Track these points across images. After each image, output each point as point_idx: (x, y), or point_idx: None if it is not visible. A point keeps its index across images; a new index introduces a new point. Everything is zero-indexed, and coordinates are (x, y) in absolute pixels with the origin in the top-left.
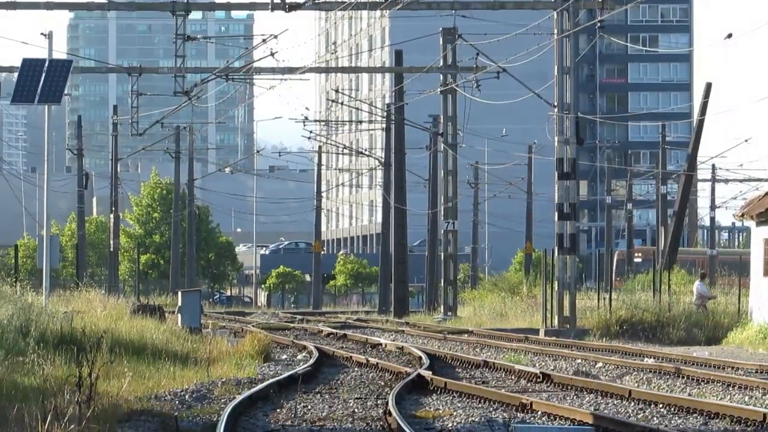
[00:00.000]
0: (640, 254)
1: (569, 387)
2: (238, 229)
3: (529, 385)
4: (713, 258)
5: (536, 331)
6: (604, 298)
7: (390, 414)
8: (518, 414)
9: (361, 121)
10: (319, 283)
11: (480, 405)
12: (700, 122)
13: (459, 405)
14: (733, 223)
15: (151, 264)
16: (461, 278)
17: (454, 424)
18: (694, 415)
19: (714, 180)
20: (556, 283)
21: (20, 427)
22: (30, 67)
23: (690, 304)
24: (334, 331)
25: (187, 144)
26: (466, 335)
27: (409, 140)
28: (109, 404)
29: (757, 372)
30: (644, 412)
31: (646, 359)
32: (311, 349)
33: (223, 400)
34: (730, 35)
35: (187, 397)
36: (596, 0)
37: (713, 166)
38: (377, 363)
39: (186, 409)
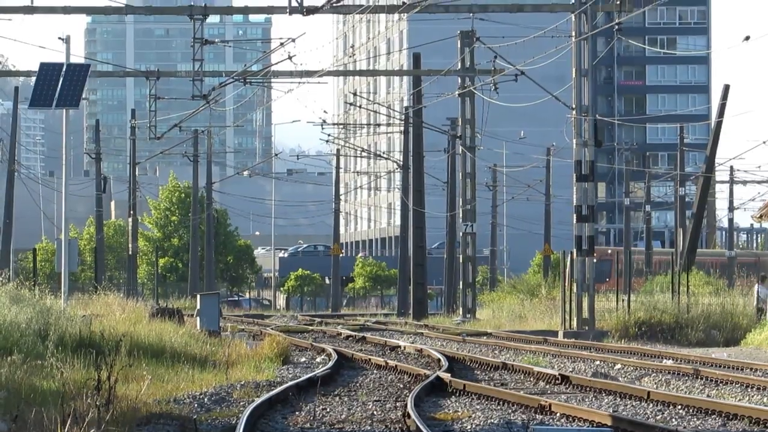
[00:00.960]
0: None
1: (588, 389)
2: (257, 233)
3: (547, 386)
4: (732, 259)
5: (555, 333)
6: (623, 300)
7: (409, 416)
8: (537, 416)
9: (379, 124)
10: (337, 285)
11: (499, 407)
12: (718, 124)
13: (478, 407)
14: (752, 225)
15: (169, 267)
16: (480, 280)
17: (473, 426)
18: (713, 416)
19: (732, 181)
20: (574, 285)
21: (39, 430)
22: (48, 71)
23: (709, 306)
24: (353, 333)
25: (205, 147)
26: (484, 337)
27: (427, 143)
28: (128, 407)
29: None
30: (663, 413)
31: (664, 361)
32: (330, 352)
33: (242, 403)
34: (747, 38)
35: (206, 400)
36: (614, 2)
37: (731, 167)
38: (396, 365)
39: (205, 412)
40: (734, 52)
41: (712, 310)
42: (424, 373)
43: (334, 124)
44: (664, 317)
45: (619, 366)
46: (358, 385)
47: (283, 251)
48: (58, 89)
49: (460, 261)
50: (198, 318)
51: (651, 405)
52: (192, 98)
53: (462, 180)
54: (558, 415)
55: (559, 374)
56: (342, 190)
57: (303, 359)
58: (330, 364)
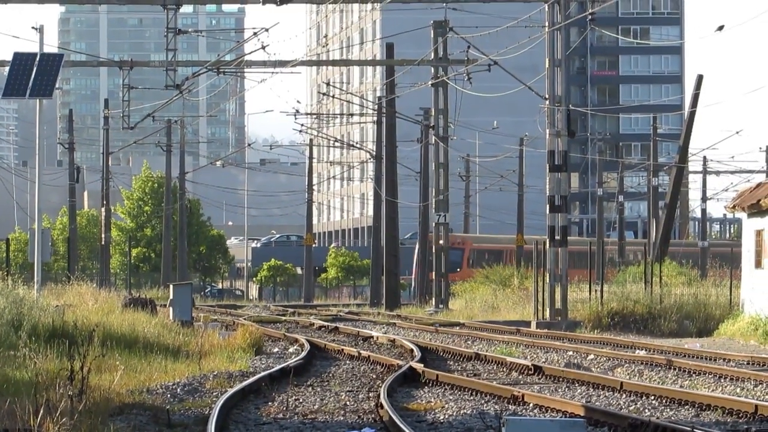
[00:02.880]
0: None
1: (561, 379)
2: (230, 223)
3: (520, 377)
4: (705, 250)
5: (528, 324)
6: (596, 291)
7: (382, 407)
8: (510, 406)
9: (352, 114)
10: (310, 276)
11: (472, 397)
12: (692, 114)
13: (451, 397)
14: (725, 215)
15: (142, 257)
16: None
17: (446, 416)
18: (686, 406)
19: (705, 172)
20: (547, 275)
21: (12, 421)
22: (21, 61)
23: (682, 296)
24: (326, 323)
25: (178, 137)
26: (457, 328)
27: (400, 133)
28: (100, 398)
29: (748, 363)
30: (636, 404)
31: (637, 351)
32: (303, 342)
33: (214, 394)
34: (721, 27)
35: (178, 390)
36: None
37: (704, 158)
38: (369, 356)
39: (178, 402)
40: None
41: (685, 301)
42: (397, 364)
43: (307, 114)
44: (637, 308)
45: (591, 356)
46: (330, 375)
47: (255, 241)
48: (32, 79)
49: (433, 251)
50: (171, 308)
51: (624, 395)
52: (165, 88)
53: (435, 170)
54: (531, 405)
55: (532, 365)
56: (315, 180)
57: (276, 349)
58: (303, 354)
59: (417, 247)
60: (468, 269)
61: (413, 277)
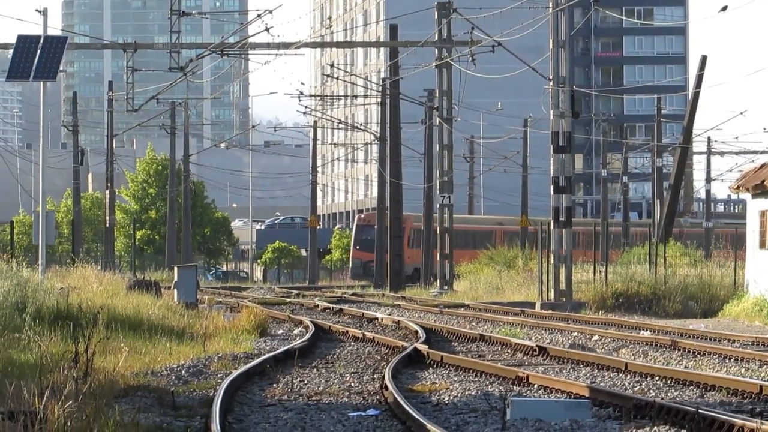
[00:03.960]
0: (366, 219)
1: (565, 360)
2: (234, 205)
3: (525, 358)
4: (709, 230)
5: (532, 305)
6: (600, 272)
7: (386, 388)
8: (514, 387)
9: (356, 96)
10: (314, 257)
11: (476, 378)
12: (696, 95)
13: (455, 378)
14: (729, 196)
15: (146, 240)
16: None
17: (451, 397)
18: (691, 387)
19: (709, 152)
20: (552, 256)
21: (17, 403)
22: (25, 43)
23: (687, 277)
24: (330, 305)
25: (182, 120)
26: (462, 309)
27: (404, 115)
28: (105, 380)
29: (753, 344)
30: (640, 384)
31: (642, 332)
32: (307, 324)
33: (219, 376)
34: (724, 8)
35: (183, 372)
36: None
37: (709, 138)
38: (373, 337)
39: (182, 384)
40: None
41: (690, 282)
42: (401, 345)
43: (311, 95)
44: (642, 289)
45: (596, 337)
46: (335, 357)
47: (260, 223)
48: (36, 61)
49: (438, 232)
50: (175, 290)
51: (628, 376)
52: (169, 70)
53: (439, 151)
54: (535, 386)
55: (537, 346)
56: (319, 162)
57: (280, 331)
58: (307, 336)
59: (354, 227)
60: (409, 249)
61: (351, 257)
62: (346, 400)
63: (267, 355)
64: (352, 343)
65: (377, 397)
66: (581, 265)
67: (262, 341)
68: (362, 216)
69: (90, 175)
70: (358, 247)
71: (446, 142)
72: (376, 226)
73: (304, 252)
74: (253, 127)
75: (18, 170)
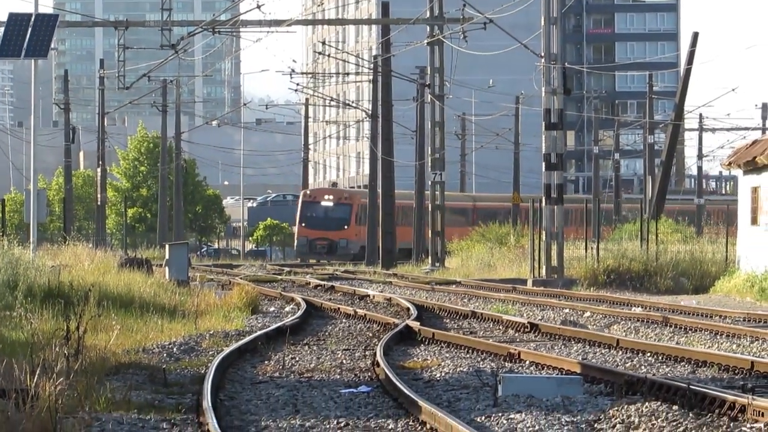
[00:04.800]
0: (312, 195)
1: (557, 337)
2: (226, 182)
3: (517, 335)
4: (701, 207)
5: (524, 282)
6: (592, 248)
7: (378, 365)
8: (506, 364)
9: (348, 73)
10: None
11: (468, 355)
12: (687, 71)
13: (447, 355)
14: (721, 172)
15: (138, 217)
16: None
17: (442, 374)
18: (682, 363)
19: (701, 129)
20: (543, 233)
21: (9, 381)
22: (16, 21)
23: (678, 253)
24: (322, 282)
25: (173, 97)
26: (453, 286)
27: (396, 92)
28: (97, 357)
29: (744, 320)
30: (632, 360)
31: (633, 308)
32: (299, 301)
33: (211, 353)
34: None
35: (174, 349)
36: None
37: (700, 115)
38: (365, 314)
39: (174, 361)
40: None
41: (681, 258)
42: (393, 322)
43: (302, 73)
44: (633, 265)
45: (588, 314)
46: (327, 334)
47: (252, 201)
48: (27, 39)
49: (429, 209)
50: (167, 268)
51: (620, 352)
52: (161, 48)
53: (431, 129)
54: (527, 363)
55: (528, 322)
56: (311, 140)
57: (272, 308)
58: (299, 313)
59: (299, 203)
60: (357, 226)
61: (296, 234)
62: (338, 377)
63: (258, 333)
64: (344, 320)
65: (369, 374)
66: (573, 241)
67: (254, 318)
68: (308, 192)
69: (81, 153)
70: (303, 224)
71: (438, 120)
72: (323, 203)
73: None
74: (245, 104)
75: (9, 148)
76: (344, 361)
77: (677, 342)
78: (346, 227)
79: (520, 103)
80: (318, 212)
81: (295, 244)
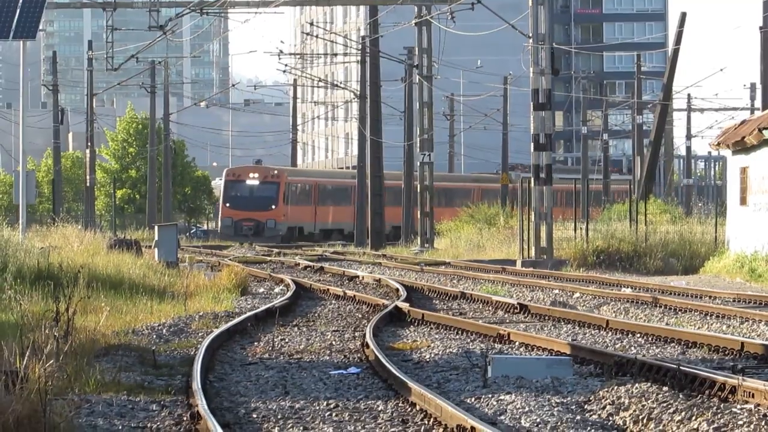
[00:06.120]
0: (237, 173)
1: (546, 318)
2: (214, 163)
3: (506, 316)
4: (689, 188)
5: (513, 263)
6: (581, 229)
7: (367, 346)
8: (496, 345)
9: (336, 54)
10: None
11: (457, 336)
12: (675, 52)
13: (436, 336)
14: (709, 153)
15: (127, 199)
16: None
17: (432, 355)
18: (672, 344)
19: (689, 109)
20: (532, 213)
21: None
22: (4, 2)
23: (667, 234)
24: (311, 264)
25: (162, 79)
26: (443, 267)
27: (384, 73)
28: (86, 339)
29: (734, 301)
30: (622, 341)
31: (623, 289)
32: (288, 282)
33: (200, 334)
34: None
35: (164, 331)
36: None
37: (689, 95)
38: (354, 295)
39: (163, 343)
40: None
41: (670, 239)
42: (382, 303)
43: (291, 54)
44: (623, 246)
45: (577, 295)
46: (316, 315)
47: None
48: (15, 21)
49: (418, 190)
50: (156, 249)
51: (610, 333)
52: (149, 29)
53: (419, 109)
54: (517, 344)
55: (518, 303)
56: (299, 121)
57: (261, 290)
58: (288, 294)
59: (223, 182)
60: (285, 206)
61: (220, 215)
62: (327, 358)
63: (248, 314)
64: (333, 302)
65: (358, 355)
66: (562, 222)
67: (243, 300)
68: (231, 170)
69: (70, 135)
70: (228, 205)
71: (426, 100)
72: (248, 182)
73: None
74: (233, 85)
75: None
76: (334, 343)
77: (667, 323)
78: (273, 207)
79: (508, 83)
80: (243, 191)
81: (219, 225)
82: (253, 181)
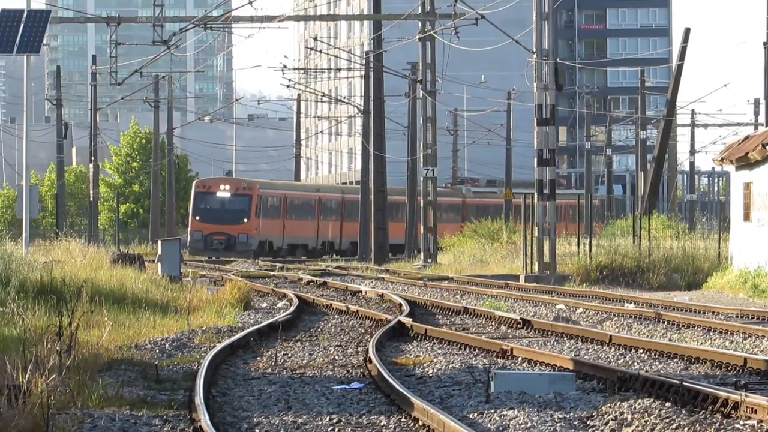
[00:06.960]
0: (206, 185)
1: (549, 333)
2: None
3: (509, 331)
4: (692, 203)
5: (516, 278)
6: (584, 244)
7: (370, 361)
8: (499, 360)
9: (339, 69)
10: None
11: (460, 351)
12: (679, 67)
13: (439, 351)
14: (713, 168)
15: (130, 213)
16: None
17: (435, 370)
18: (675, 359)
19: (693, 125)
20: (536, 229)
21: (1, 377)
22: (8, 17)
23: (670, 249)
24: (314, 278)
25: (166, 93)
26: (446, 282)
27: (387, 88)
28: (89, 353)
29: (737, 316)
30: (625, 357)
31: (626, 304)
32: (291, 297)
33: (203, 349)
34: None
35: (167, 345)
36: None
37: (692, 110)
38: (357, 310)
39: (166, 357)
40: None
41: (674, 254)
42: (385, 318)
43: (294, 69)
44: (626, 261)
45: (580, 310)
46: (319, 330)
47: None
48: (19, 35)
49: (421, 206)
50: (159, 264)
51: (613, 349)
52: (153, 44)
53: (423, 124)
54: (520, 359)
55: (521, 318)
56: (303, 135)
57: (264, 304)
58: (291, 309)
59: (192, 194)
60: (257, 219)
61: (189, 228)
62: (330, 373)
63: (251, 329)
64: (336, 316)
65: (361, 370)
66: (565, 237)
67: (246, 314)
68: (201, 181)
69: (74, 149)
70: (198, 218)
71: (429, 115)
72: (218, 194)
73: None
74: (237, 100)
75: (2, 144)
76: (336, 358)
77: (670, 338)
78: (245, 220)
79: (511, 98)
80: (213, 204)
81: (188, 239)
82: (224, 193)
